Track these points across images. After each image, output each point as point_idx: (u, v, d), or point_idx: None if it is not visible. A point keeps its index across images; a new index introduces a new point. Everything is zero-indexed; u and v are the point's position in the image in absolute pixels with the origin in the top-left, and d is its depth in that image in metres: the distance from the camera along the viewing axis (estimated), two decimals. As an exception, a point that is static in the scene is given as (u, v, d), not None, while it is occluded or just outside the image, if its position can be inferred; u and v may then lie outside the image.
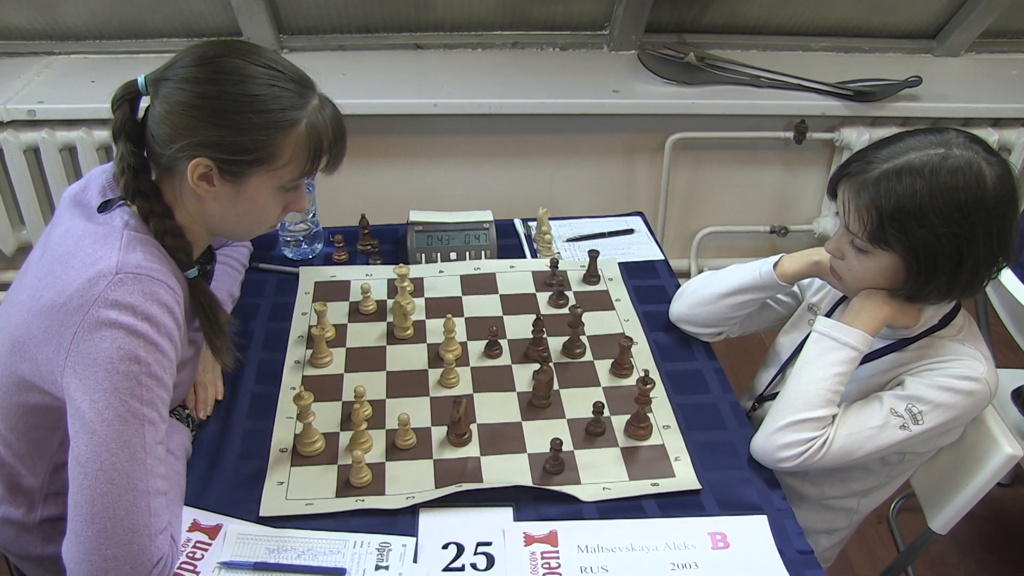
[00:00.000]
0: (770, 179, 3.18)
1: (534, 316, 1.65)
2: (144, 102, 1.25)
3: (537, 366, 1.54)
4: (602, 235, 2.04)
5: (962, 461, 1.51)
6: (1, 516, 1.38)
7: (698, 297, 1.66)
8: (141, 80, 1.23)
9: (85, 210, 1.26)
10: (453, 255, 1.92)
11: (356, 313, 1.75)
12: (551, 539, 1.28)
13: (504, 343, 1.67)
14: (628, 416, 1.48)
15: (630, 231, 2.07)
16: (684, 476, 1.39)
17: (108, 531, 1.10)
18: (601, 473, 1.40)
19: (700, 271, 2.88)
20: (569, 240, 2.02)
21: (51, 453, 1.32)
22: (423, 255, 1.91)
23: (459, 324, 1.71)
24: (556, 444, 1.37)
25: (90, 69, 2.82)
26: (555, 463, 1.39)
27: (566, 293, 1.81)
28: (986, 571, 2.37)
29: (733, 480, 1.40)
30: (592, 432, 1.46)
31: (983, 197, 1.25)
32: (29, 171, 2.73)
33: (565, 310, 1.75)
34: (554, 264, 1.83)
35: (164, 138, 1.20)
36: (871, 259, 1.35)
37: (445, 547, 1.27)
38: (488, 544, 1.28)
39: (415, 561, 1.25)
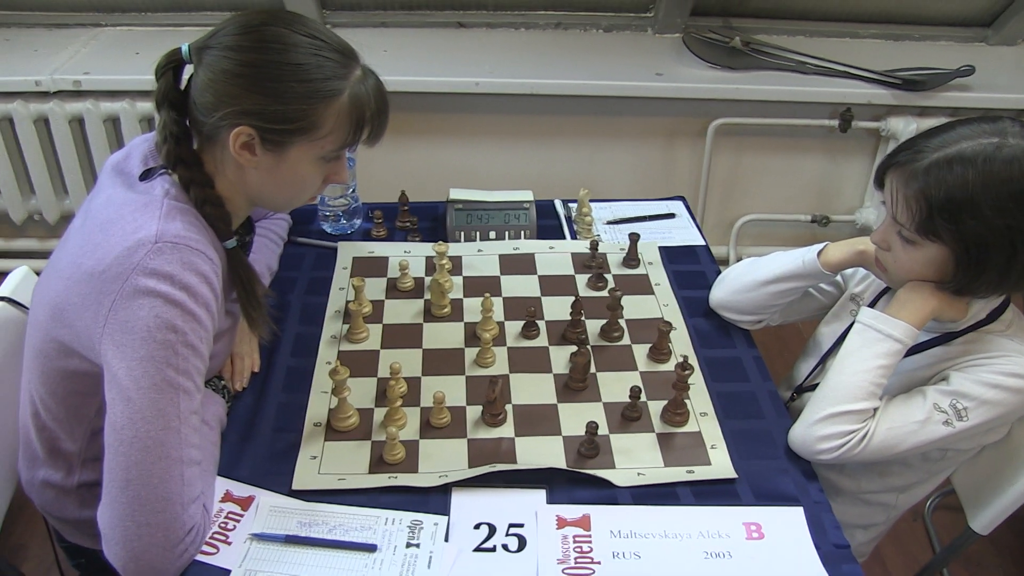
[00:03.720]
0: (813, 167, 3.12)
1: (572, 298, 1.63)
2: (188, 70, 1.25)
3: (574, 348, 1.53)
4: (643, 218, 2.02)
5: (1007, 460, 1.48)
6: (41, 479, 1.40)
7: (739, 284, 1.64)
8: (185, 48, 1.23)
9: (127, 178, 1.27)
10: (492, 234, 1.90)
11: (393, 290, 1.74)
12: (584, 523, 1.27)
13: (542, 324, 1.65)
14: (665, 402, 1.46)
15: (671, 215, 2.04)
16: (720, 464, 1.37)
17: (142, 498, 1.11)
18: (636, 458, 1.38)
19: (739, 259, 2.85)
20: (609, 223, 2.00)
21: (89, 418, 1.33)
22: (462, 233, 1.90)
23: (497, 304, 1.70)
24: (591, 427, 1.35)
25: (135, 41, 2.84)
26: (590, 447, 1.37)
27: (605, 276, 1.79)
28: (1024, 574, 2.33)
29: (770, 470, 1.38)
30: (628, 417, 1.45)
31: (1039, 188, 1.21)
32: (73, 141, 2.76)
33: (604, 293, 1.73)
34: (594, 246, 1.81)
35: (207, 106, 1.20)
36: (919, 251, 1.31)
37: (477, 527, 1.26)
38: (520, 526, 1.27)
39: (446, 540, 1.24)
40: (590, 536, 1.25)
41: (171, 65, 1.24)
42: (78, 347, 1.22)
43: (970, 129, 1.26)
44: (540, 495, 1.32)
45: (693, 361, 1.57)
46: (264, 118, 1.19)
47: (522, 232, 1.91)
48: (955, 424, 1.33)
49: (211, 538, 1.22)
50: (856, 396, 1.34)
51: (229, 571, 1.18)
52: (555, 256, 1.86)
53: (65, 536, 1.49)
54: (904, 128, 2.83)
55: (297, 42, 1.19)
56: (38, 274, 1.43)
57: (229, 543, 1.22)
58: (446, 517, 1.28)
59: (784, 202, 3.19)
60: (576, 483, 1.34)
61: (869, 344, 1.36)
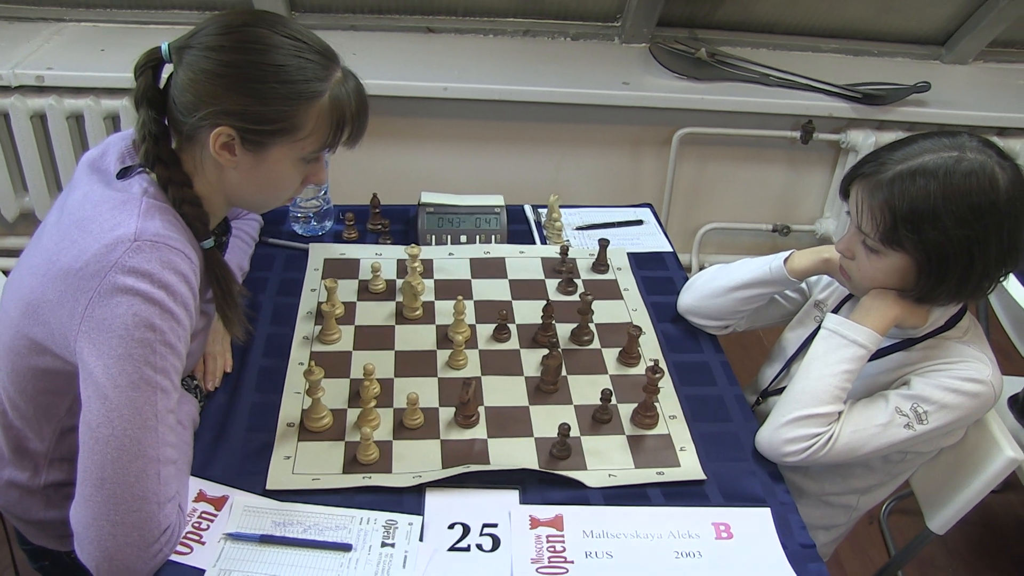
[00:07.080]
0: (775, 178, 3.18)
1: (543, 302, 1.65)
2: (167, 69, 1.25)
3: (545, 351, 1.55)
4: (611, 225, 2.05)
5: (963, 462, 1.52)
6: (6, 479, 1.38)
7: (707, 290, 1.67)
8: (165, 47, 1.23)
9: (103, 176, 1.26)
10: (463, 238, 1.92)
11: (365, 291, 1.75)
12: (557, 523, 1.29)
13: (513, 327, 1.67)
14: (635, 405, 1.49)
15: (639, 222, 2.07)
16: (689, 466, 1.40)
17: (117, 497, 1.10)
18: (607, 460, 1.40)
19: (702, 266, 2.90)
20: (578, 228, 2.03)
21: (58, 417, 1.32)
22: (433, 237, 1.91)
23: (468, 307, 1.71)
24: (564, 429, 1.37)
25: (100, 37, 2.81)
26: (562, 448, 1.39)
27: (575, 280, 1.81)
28: None
29: (737, 472, 1.41)
30: (599, 419, 1.47)
31: (995, 200, 1.26)
32: (35, 138, 2.72)
33: (574, 297, 1.75)
34: (564, 251, 1.83)
35: (187, 106, 1.20)
36: (882, 259, 1.35)
37: (451, 527, 1.28)
38: (494, 526, 1.28)
39: (421, 540, 1.25)
40: (563, 536, 1.27)
41: (150, 64, 1.24)
42: (52, 345, 1.21)
43: (931, 143, 1.31)
44: (513, 495, 1.34)
45: (662, 365, 1.59)
46: (245, 119, 1.19)
47: (493, 236, 1.93)
48: (916, 427, 1.37)
49: (185, 538, 1.21)
50: (821, 400, 1.38)
51: (203, 571, 1.18)
52: (525, 260, 1.88)
53: (28, 538, 1.47)
54: (863, 141, 2.89)
55: (278, 43, 1.19)
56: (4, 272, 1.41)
57: (203, 543, 1.22)
58: (420, 517, 1.28)
59: (746, 211, 3.25)
60: (548, 484, 1.35)
61: (834, 349, 1.40)
